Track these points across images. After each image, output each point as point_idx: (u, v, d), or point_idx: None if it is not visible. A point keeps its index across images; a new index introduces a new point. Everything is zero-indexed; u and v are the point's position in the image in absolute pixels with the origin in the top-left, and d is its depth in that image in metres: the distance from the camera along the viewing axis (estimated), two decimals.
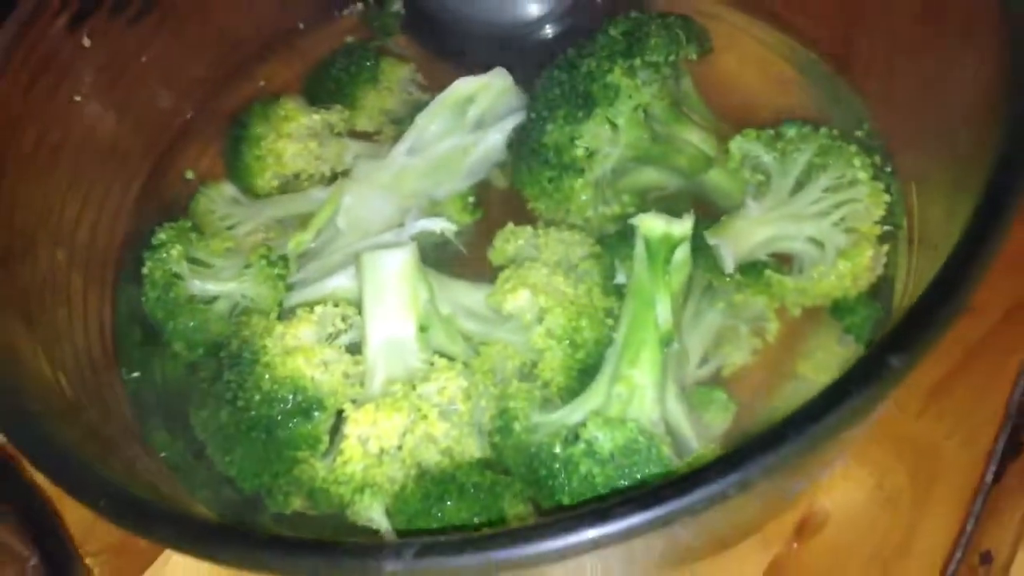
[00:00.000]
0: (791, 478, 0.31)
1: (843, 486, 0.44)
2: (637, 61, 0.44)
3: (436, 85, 0.49)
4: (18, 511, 0.31)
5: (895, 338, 0.28)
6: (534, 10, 0.55)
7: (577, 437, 0.37)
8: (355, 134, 0.50)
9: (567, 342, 0.40)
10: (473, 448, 0.39)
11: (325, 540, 0.26)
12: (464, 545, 0.26)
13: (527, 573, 0.29)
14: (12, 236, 0.39)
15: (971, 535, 0.42)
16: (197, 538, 0.28)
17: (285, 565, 0.27)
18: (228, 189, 0.48)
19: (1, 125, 0.40)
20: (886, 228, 0.41)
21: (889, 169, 0.42)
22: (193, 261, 0.44)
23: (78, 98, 0.44)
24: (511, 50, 0.52)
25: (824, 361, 0.41)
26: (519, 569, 0.27)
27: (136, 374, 0.43)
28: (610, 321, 0.41)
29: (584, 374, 0.40)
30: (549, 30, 0.54)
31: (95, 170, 0.45)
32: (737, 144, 0.43)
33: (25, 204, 0.40)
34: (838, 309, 0.40)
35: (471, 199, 0.47)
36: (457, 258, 0.45)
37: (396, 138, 0.48)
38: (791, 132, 0.43)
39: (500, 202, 0.47)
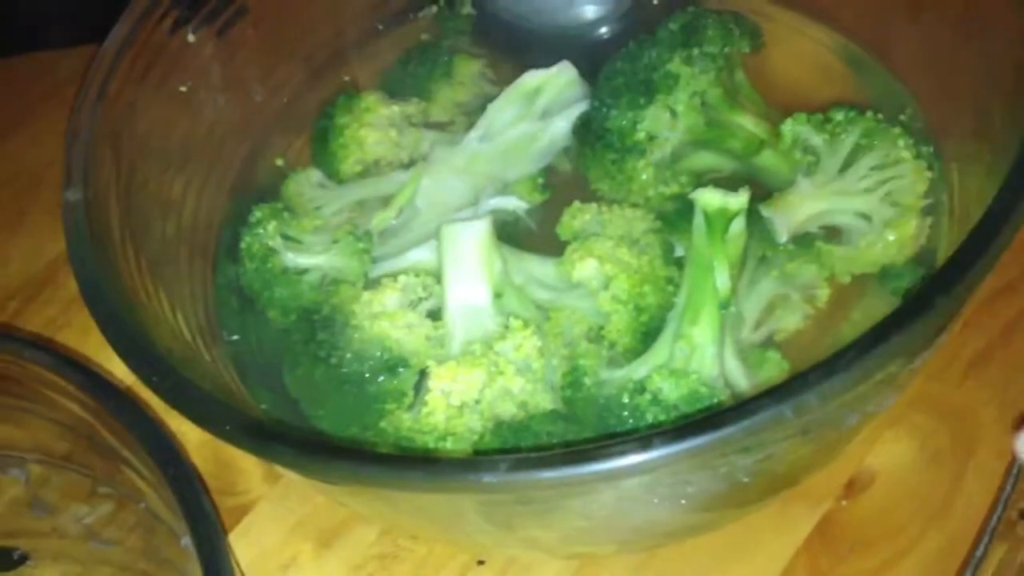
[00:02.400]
0: (844, 410, 0.34)
1: (889, 448, 0.47)
2: (695, 51, 0.47)
3: (504, 79, 0.53)
4: (167, 478, 0.34)
5: (939, 281, 0.31)
6: (592, 12, 0.59)
7: (644, 388, 0.40)
8: (430, 125, 0.54)
9: (631, 306, 0.43)
10: (546, 401, 0.42)
11: (430, 455, 0.30)
12: (553, 460, 0.29)
13: (605, 491, 0.33)
14: (132, 209, 0.43)
15: (1010, 493, 0.44)
16: (313, 455, 0.32)
17: (394, 478, 0.31)
18: (315, 175, 0.52)
19: (120, 111, 0.44)
20: (928, 202, 0.44)
21: (931, 149, 0.45)
22: (286, 238, 0.48)
23: (183, 89, 0.48)
24: (573, 48, 0.56)
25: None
26: (601, 483, 0.31)
27: (235, 337, 0.47)
28: (671, 288, 0.44)
29: (647, 336, 0.43)
30: (606, 30, 0.58)
31: (197, 155, 0.49)
32: (788, 127, 0.46)
33: (141, 182, 0.44)
34: (885, 275, 0.43)
35: (540, 180, 0.51)
36: (527, 234, 0.49)
37: (468, 128, 0.52)
38: (839, 116, 0.46)
39: (565, 184, 0.51)
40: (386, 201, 0.51)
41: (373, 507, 0.41)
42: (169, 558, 0.41)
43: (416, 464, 0.30)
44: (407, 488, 0.31)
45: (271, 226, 0.47)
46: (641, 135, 0.47)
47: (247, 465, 0.51)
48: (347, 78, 0.56)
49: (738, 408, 0.29)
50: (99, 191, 0.41)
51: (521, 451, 0.40)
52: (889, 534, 0.45)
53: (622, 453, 0.29)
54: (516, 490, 0.30)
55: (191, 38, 0.48)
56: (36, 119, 0.67)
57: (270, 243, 0.47)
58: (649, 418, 0.39)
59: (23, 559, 0.45)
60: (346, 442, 0.42)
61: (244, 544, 0.48)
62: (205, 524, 0.32)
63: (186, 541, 0.33)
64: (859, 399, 0.34)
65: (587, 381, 0.42)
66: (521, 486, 0.29)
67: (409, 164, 0.52)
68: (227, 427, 0.33)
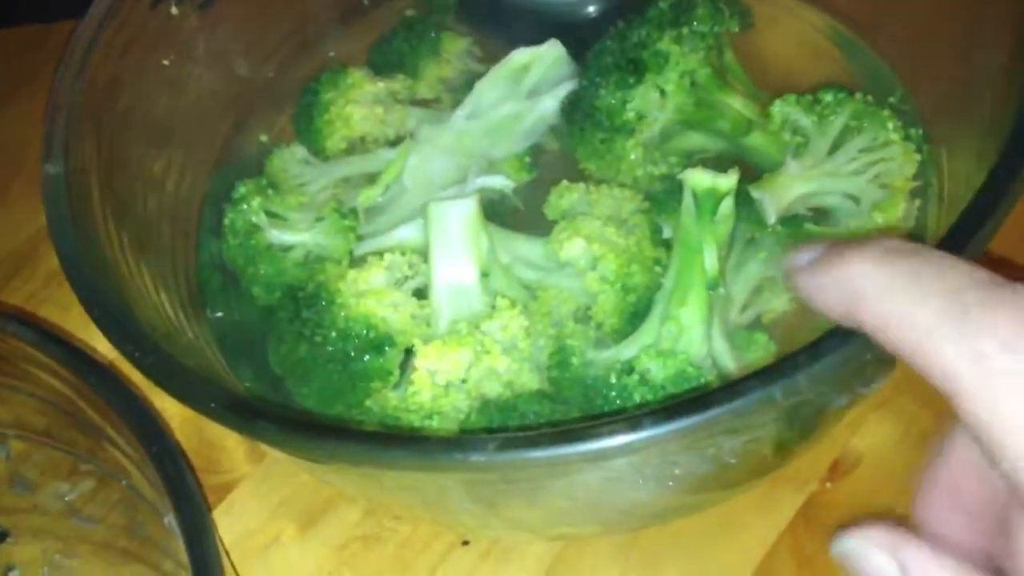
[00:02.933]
0: (832, 392, 0.34)
1: (874, 430, 0.47)
2: (684, 30, 0.47)
3: (491, 57, 0.53)
4: (150, 455, 0.33)
5: None
6: None
7: (631, 369, 0.40)
8: (416, 102, 0.54)
9: (619, 286, 0.43)
10: (533, 381, 0.42)
11: (417, 434, 0.30)
12: (541, 439, 0.29)
13: (592, 471, 0.33)
14: (114, 183, 0.42)
15: None
16: (299, 433, 0.31)
17: (382, 457, 0.30)
18: (299, 151, 0.52)
19: (101, 86, 0.44)
20: (917, 184, 0.44)
21: (920, 131, 0.45)
22: (270, 214, 0.47)
23: (166, 62, 0.47)
24: (561, 26, 0.55)
25: None
26: (588, 463, 0.31)
27: (219, 314, 0.46)
28: (658, 269, 0.44)
29: (635, 317, 0.43)
30: (594, 8, 0.58)
31: (180, 129, 0.48)
32: (778, 107, 0.46)
33: (123, 156, 0.44)
34: None
35: (527, 159, 0.50)
36: (514, 213, 0.49)
37: (454, 105, 0.52)
38: (828, 97, 0.46)
39: (553, 163, 0.51)
40: (371, 178, 0.50)
41: (358, 485, 0.41)
42: (152, 536, 0.40)
43: (403, 443, 0.30)
44: (394, 467, 0.30)
45: (255, 202, 0.47)
46: (630, 115, 0.47)
47: (230, 444, 0.50)
48: (332, 54, 0.55)
49: (727, 389, 0.29)
50: (79, 165, 0.41)
51: (508, 431, 0.40)
52: (873, 517, 0.45)
53: (611, 433, 0.29)
54: (504, 470, 0.30)
55: (174, 11, 0.48)
56: (20, 94, 0.66)
57: (254, 219, 0.47)
58: (636, 398, 0.39)
59: (3, 536, 0.45)
60: (332, 420, 0.41)
61: (227, 523, 0.48)
62: (189, 502, 0.32)
63: (169, 519, 0.32)
64: (847, 381, 0.33)
65: (574, 361, 0.42)
66: (509, 466, 0.29)
67: (395, 141, 0.52)
68: (212, 404, 0.32)
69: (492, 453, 0.29)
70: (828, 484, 0.46)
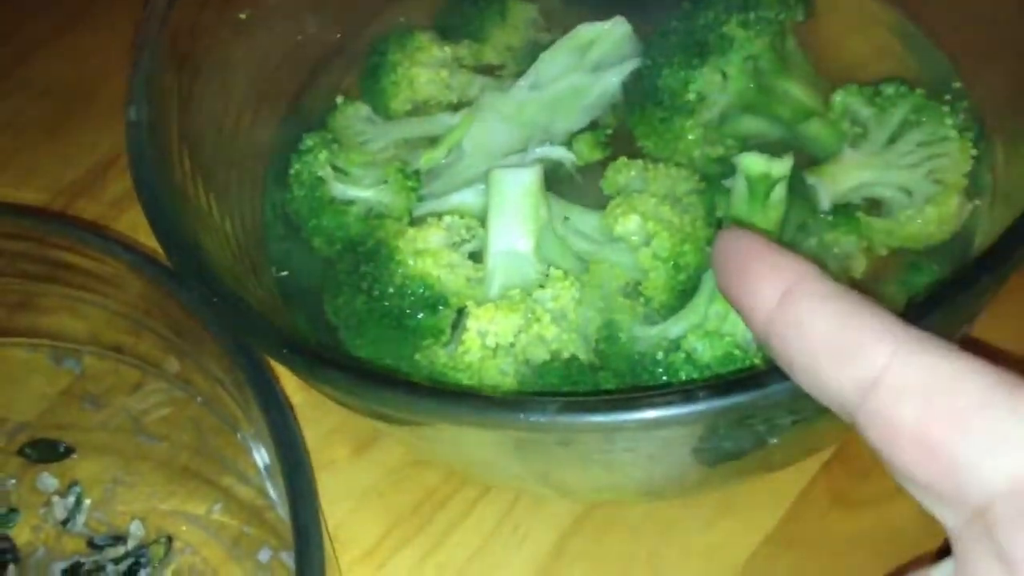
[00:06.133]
0: None
1: None
2: (751, 15, 0.48)
3: (557, 27, 0.53)
4: (238, 365, 0.34)
5: (987, 259, 0.32)
6: None
7: (678, 347, 0.41)
8: (480, 68, 0.54)
9: (671, 264, 0.44)
10: (580, 351, 0.43)
11: (480, 391, 0.31)
12: (601, 405, 0.31)
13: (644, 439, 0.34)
14: (191, 129, 0.44)
15: None
16: (363, 383, 0.33)
17: (441, 411, 0.32)
18: (363, 109, 0.53)
19: (182, 35, 0.45)
20: (971, 182, 0.45)
21: (977, 129, 0.46)
22: (334, 168, 0.49)
23: (243, 16, 0.49)
24: (626, 3, 0.56)
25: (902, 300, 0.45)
26: (643, 431, 0.32)
27: (279, 264, 0.48)
28: (709, 250, 0.45)
29: (683, 295, 0.44)
30: None
31: (252, 82, 0.50)
32: (840, 97, 0.47)
33: (198, 104, 0.45)
34: (921, 254, 0.44)
35: (603, 137, 0.51)
36: (571, 186, 0.50)
37: (518, 74, 0.52)
38: (889, 90, 0.46)
39: (609, 140, 0.51)
40: (431, 141, 0.51)
41: (407, 437, 0.43)
42: (217, 452, 0.42)
43: (467, 399, 0.32)
44: (459, 422, 0.32)
45: (322, 155, 0.48)
46: (691, 95, 0.48)
47: (281, 371, 0.52)
48: (402, 18, 0.56)
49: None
50: (160, 109, 0.42)
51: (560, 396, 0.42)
52: None
53: (666, 403, 0.30)
54: (563, 432, 0.31)
55: None
56: (80, 27, 0.68)
57: (319, 172, 0.48)
58: (683, 376, 0.40)
59: (68, 452, 0.47)
60: (401, 374, 0.43)
61: None
62: (278, 409, 0.33)
63: (242, 434, 0.34)
64: None
65: (622, 336, 0.43)
66: (569, 428, 0.30)
67: (457, 106, 0.53)
68: (284, 350, 0.34)
69: (552, 415, 0.31)
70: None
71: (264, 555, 0.44)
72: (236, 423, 0.40)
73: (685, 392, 0.30)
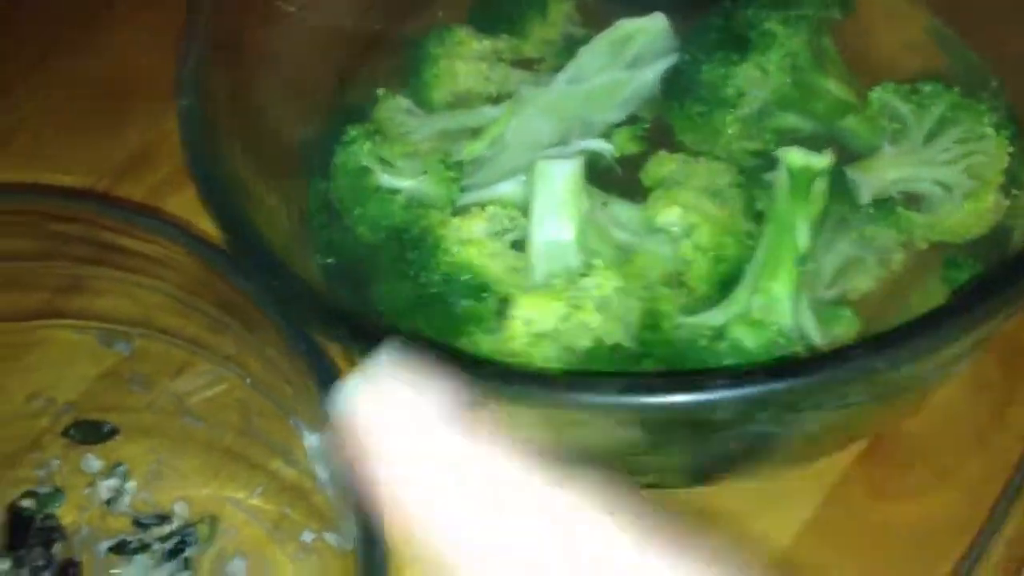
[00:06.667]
0: (924, 367, 0.36)
1: None
2: (792, 13, 0.49)
3: (594, 23, 0.54)
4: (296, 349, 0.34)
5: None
6: None
7: (722, 336, 0.42)
8: (519, 62, 0.55)
9: (712, 255, 0.45)
10: (623, 340, 0.44)
11: (543, 371, 0.32)
12: (666, 384, 0.31)
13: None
14: (239, 117, 0.44)
15: None
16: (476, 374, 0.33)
17: (506, 389, 0.32)
18: (404, 101, 0.54)
19: (231, 25, 0.46)
20: (1008, 179, 0.45)
21: (1013, 128, 0.46)
22: (378, 159, 0.49)
23: (292, 9, 0.49)
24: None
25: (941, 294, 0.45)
26: (701, 414, 0.33)
27: (323, 252, 0.49)
28: (750, 242, 0.46)
29: (724, 286, 0.45)
30: None
31: (297, 73, 0.50)
32: (877, 94, 0.48)
33: (245, 96, 0.46)
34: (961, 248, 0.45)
35: (640, 132, 0.51)
36: (608, 175, 0.50)
37: (556, 68, 0.53)
38: (927, 88, 0.48)
39: (647, 134, 0.52)
40: (472, 133, 0.52)
41: None
42: (264, 434, 0.42)
43: (530, 378, 0.32)
44: (526, 403, 0.32)
45: (365, 145, 0.49)
46: (731, 91, 0.49)
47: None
48: (441, 13, 0.57)
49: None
50: (209, 99, 0.43)
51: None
52: (942, 451, 0.47)
53: (725, 386, 0.31)
54: (625, 413, 0.32)
55: None
56: (114, 19, 0.68)
57: (364, 162, 0.49)
58: (727, 363, 0.41)
59: (113, 433, 0.47)
60: (467, 354, 0.43)
61: None
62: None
63: (295, 419, 0.34)
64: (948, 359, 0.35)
65: (665, 325, 0.44)
66: (633, 408, 0.31)
67: (497, 99, 0.54)
68: (340, 332, 0.35)
69: (613, 396, 0.31)
70: None
71: (307, 536, 0.45)
72: (284, 403, 0.40)
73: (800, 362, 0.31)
